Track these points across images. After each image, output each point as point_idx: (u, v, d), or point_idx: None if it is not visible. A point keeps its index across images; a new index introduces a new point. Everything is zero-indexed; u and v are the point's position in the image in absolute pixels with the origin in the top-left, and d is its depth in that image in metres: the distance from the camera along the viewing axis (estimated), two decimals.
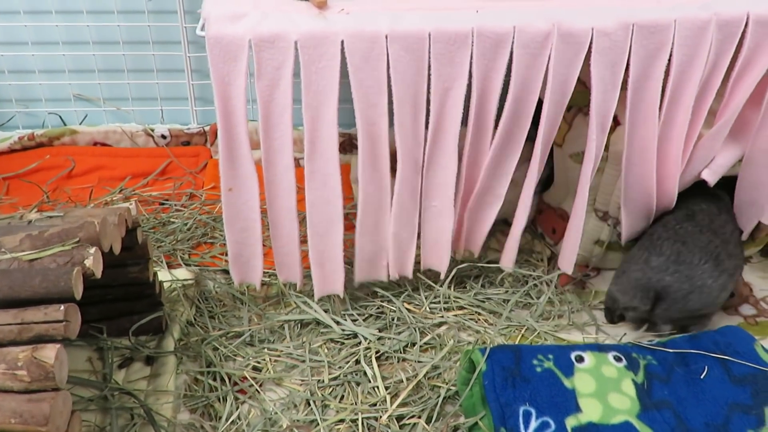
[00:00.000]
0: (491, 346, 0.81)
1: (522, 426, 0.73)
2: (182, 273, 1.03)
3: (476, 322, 0.99)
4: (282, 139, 0.85)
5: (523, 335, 0.97)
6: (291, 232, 0.91)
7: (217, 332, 0.94)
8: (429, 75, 0.82)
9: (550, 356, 0.81)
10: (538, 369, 0.79)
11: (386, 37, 0.78)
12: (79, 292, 0.60)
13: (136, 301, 0.89)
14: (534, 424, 0.74)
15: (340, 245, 0.92)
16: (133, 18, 1.27)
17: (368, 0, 0.83)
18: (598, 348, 0.85)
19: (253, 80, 0.81)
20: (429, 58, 0.80)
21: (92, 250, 0.63)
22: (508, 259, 0.99)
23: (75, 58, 1.29)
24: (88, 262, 0.62)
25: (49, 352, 0.54)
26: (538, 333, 0.97)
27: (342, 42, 0.78)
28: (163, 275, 0.99)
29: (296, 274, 0.96)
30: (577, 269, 1.09)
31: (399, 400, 0.84)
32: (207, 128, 1.36)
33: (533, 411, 0.75)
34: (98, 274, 0.64)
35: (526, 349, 0.82)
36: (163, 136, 1.35)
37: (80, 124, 1.36)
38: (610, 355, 0.84)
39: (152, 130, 1.34)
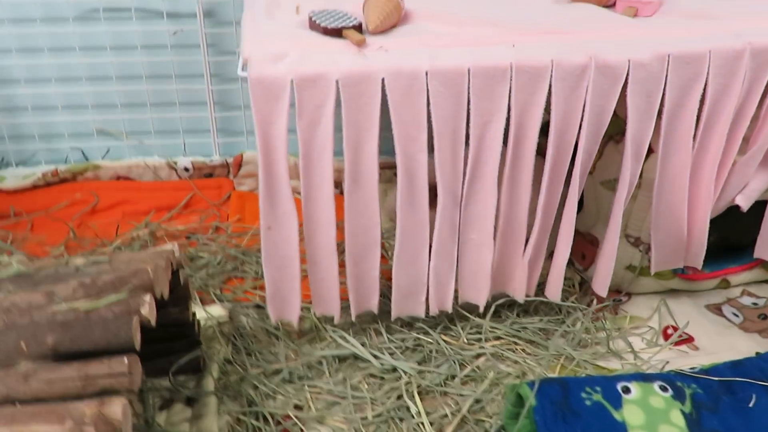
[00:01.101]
0: (537, 378, 0.81)
1: None
2: (216, 310, 1.02)
3: (514, 352, 0.99)
4: (322, 175, 0.85)
5: (562, 364, 0.97)
6: (330, 266, 0.91)
7: (256, 370, 0.93)
8: (468, 109, 0.82)
9: (598, 388, 0.81)
10: (587, 402, 0.79)
11: (426, 74, 0.78)
12: (138, 343, 0.60)
13: (175, 341, 0.89)
14: None
15: (376, 267, 0.93)
16: (155, 53, 1.27)
17: (405, 37, 0.83)
18: (643, 378, 0.84)
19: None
20: (468, 92, 0.80)
21: (147, 298, 0.63)
22: (554, 290, 0.98)
23: (97, 93, 1.30)
24: (144, 311, 0.62)
25: (116, 408, 0.54)
26: (577, 362, 0.96)
27: (382, 79, 0.78)
28: (198, 312, 0.98)
29: (334, 308, 0.96)
30: (609, 295, 1.09)
31: None
32: (230, 160, 1.36)
33: None
34: (153, 323, 0.63)
35: (573, 381, 0.82)
36: (186, 169, 1.35)
37: (103, 158, 1.36)
38: (656, 385, 0.83)
39: (175, 163, 1.34)
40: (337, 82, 0.78)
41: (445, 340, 0.99)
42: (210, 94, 1.30)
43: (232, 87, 1.32)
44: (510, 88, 0.81)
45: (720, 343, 1.03)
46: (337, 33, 0.82)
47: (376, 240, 0.90)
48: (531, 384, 0.80)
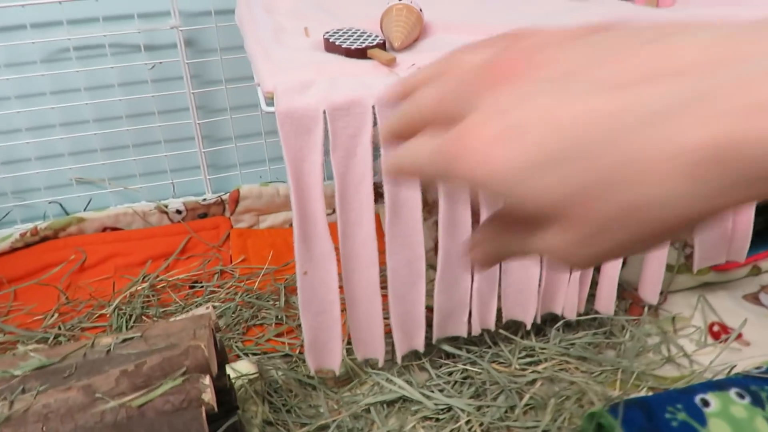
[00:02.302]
0: (618, 402, 0.75)
1: None
2: (244, 366, 0.93)
3: (567, 371, 0.93)
4: (360, 210, 0.78)
5: (621, 379, 0.92)
6: (373, 307, 0.84)
7: (300, 429, 0.85)
8: None
9: (679, 406, 0.76)
10: (674, 423, 0.74)
11: None
12: None
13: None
14: None
15: (422, 302, 0.87)
16: (134, 90, 1.18)
17: (433, 51, 0.77)
18: (717, 387, 0.80)
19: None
20: None
21: (207, 381, 0.55)
22: (606, 303, 0.93)
23: (73, 139, 1.19)
24: (206, 397, 0.54)
25: None
26: (636, 374, 0.92)
27: None
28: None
29: (378, 350, 0.88)
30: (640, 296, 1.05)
31: None
32: (225, 196, 1.27)
33: None
34: (215, 408, 0.55)
35: (653, 401, 0.77)
36: (179, 211, 1.25)
37: (85, 210, 1.25)
38: (732, 393, 0.79)
39: (166, 206, 1.24)
40: (373, 107, 0.71)
41: (495, 369, 0.93)
42: (197, 128, 1.21)
43: (220, 118, 1.23)
44: None
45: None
46: (361, 54, 0.75)
47: (421, 274, 0.83)
48: (613, 411, 0.74)
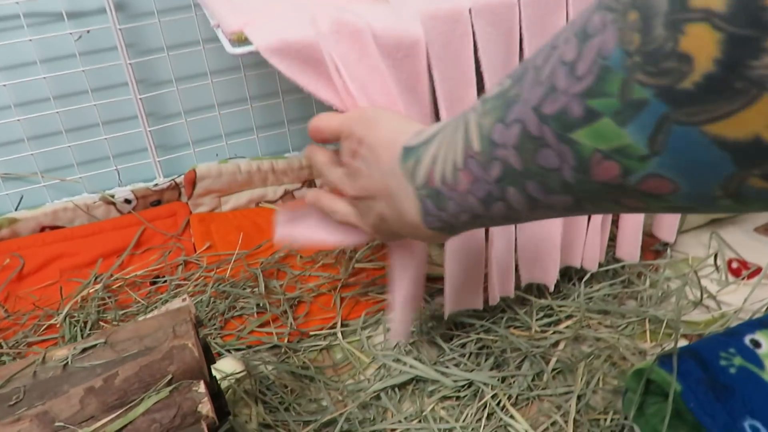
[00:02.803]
0: (664, 355, 0.66)
1: None
2: (228, 364, 0.80)
3: (591, 328, 0.84)
4: None
5: (650, 330, 0.83)
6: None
7: (305, 429, 0.73)
8: (521, 50, 0.65)
9: (732, 350, 0.68)
10: (732, 370, 0.66)
11: (470, 12, 0.61)
12: None
13: None
14: None
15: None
16: (60, 65, 1.01)
17: None
18: (764, 325, 0.72)
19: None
20: (520, 29, 0.64)
21: (201, 388, 0.42)
22: (631, 249, 0.84)
23: None
24: (204, 409, 0.41)
25: None
26: (665, 323, 0.83)
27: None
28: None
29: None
30: (653, 239, 0.98)
31: None
32: (179, 179, 1.12)
33: (759, 424, 0.61)
34: (216, 420, 0.43)
35: (702, 349, 0.68)
36: (128, 201, 1.10)
37: (17, 209, 1.08)
38: None
39: (112, 197, 1.09)
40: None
41: (514, 334, 0.83)
42: (139, 105, 1.06)
43: (164, 91, 1.08)
44: (567, 16, 0.65)
45: None
46: None
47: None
48: (665, 365, 0.65)
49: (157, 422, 0.40)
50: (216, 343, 0.86)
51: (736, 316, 0.83)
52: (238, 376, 0.79)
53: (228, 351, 0.85)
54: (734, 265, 0.95)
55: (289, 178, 1.18)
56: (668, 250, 0.97)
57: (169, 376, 0.43)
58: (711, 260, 0.95)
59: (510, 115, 0.34)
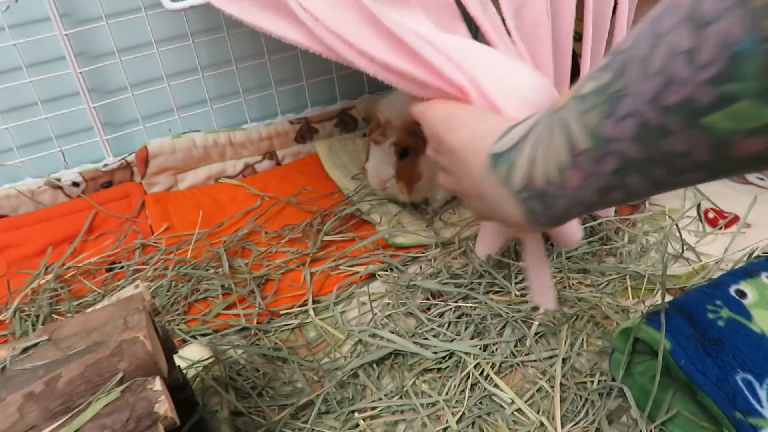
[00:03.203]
0: (650, 312, 0.64)
1: (753, 400, 0.57)
2: (194, 351, 0.76)
3: (571, 288, 0.82)
4: None
5: (631, 287, 0.81)
6: None
7: (281, 414, 0.69)
8: None
9: (718, 302, 0.66)
10: (720, 323, 0.63)
11: None
12: None
13: None
14: (763, 392, 0.58)
15: None
16: None
17: None
18: (747, 274, 0.70)
19: None
20: None
21: (157, 385, 0.38)
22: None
23: None
24: (161, 408, 0.37)
25: None
26: (647, 278, 0.81)
27: None
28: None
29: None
30: None
31: (560, 422, 0.64)
32: (130, 158, 1.05)
33: (751, 377, 0.59)
34: (178, 421, 0.38)
35: (688, 303, 0.66)
36: (75, 184, 1.03)
37: None
38: (764, 278, 0.70)
39: (58, 180, 1.02)
40: None
41: (493, 300, 0.79)
42: (80, 79, 0.98)
43: (107, 63, 1.01)
44: None
45: (766, 213, 0.92)
46: None
47: None
48: (653, 322, 0.63)
49: (107, 428, 0.35)
50: (180, 330, 0.81)
51: (717, 267, 0.81)
52: (206, 363, 0.74)
53: (193, 337, 0.80)
54: (710, 215, 0.93)
55: (248, 150, 1.12)
56: (645, 203, 0.94)
57: (120, 375, 0.38)
58: (686, 212, 0.93)
59: (620, 110, 0.34)
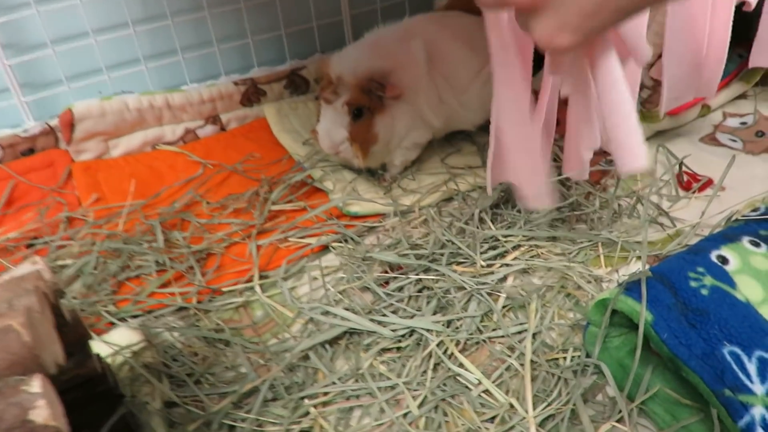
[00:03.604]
0: (629, 282, 0.58)
1: (742, 375, 0.51)
2: (122, 335, 0.67)
3: (540, 257, 0.76)
4: None
5: (605, 255, 0.75)
6: None
7: (221, 403, 0.61)
8: None
9: (701, 269, 0.60)
10: (704, 291, 0.58)
11: None
12: None
13: (85, 410, 0.54)
14: (752, 366, 0.52)
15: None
16: None
17: None
18: (728, 239, 0.65)
19: None
20: None
21: (34, 386, 0.30)
22: (580, 166, 0.75)
23: None
24: (39, 416, 0.29)
25: None
26: (621, 246, 0.76)
27: None
28: (97, 349, 0.63)
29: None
30: (597, 157, 0.89)
31: (531, 402, 0.59)
32: (53, 122, 0.94)
33: (738, 350, 0.53)
34: (65, 429, 0.30)
35: (668, 271, 0.60)
36: None
37: None
38: (746, 242, 0.65)
39: None
40: None
41: (456, 271, 0.73)
42: None
43: (22, 15, 0.89)
44: None
45: (739, 176, 0.87)
46: None
47: None
48: (632, 292, 0.57)
49: None
50: (108, 312, 0.72)
51: (694, 233, 0.76)
52: (136, 348, 0.65)
53: (123, 319, 0.71)
54: (684, 178, 0.88)
55: (189, 114, 1.02)
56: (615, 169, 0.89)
57: None
58: (659, 176, 0.88)
59: None
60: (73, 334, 0.48)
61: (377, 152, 0.86)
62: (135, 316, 0.72)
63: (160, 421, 0.59)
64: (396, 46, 0.86)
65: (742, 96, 1.05)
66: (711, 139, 0.97)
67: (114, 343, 0.66)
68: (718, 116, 1.02)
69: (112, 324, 0.70)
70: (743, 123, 0.99)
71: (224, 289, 0.76)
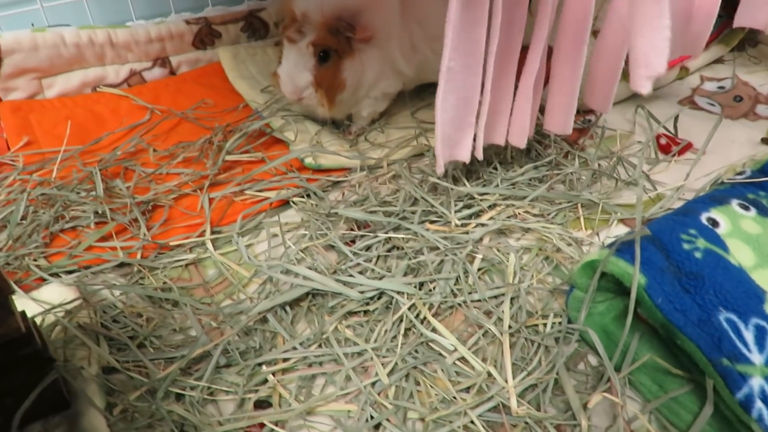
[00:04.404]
0: (620, 244, 0.54)
1: (740, 343, 0.48)
2: (53, 292, 0.59)
3: (518, 217, 0.71)
4: None
5: (585, 217, 0.71)
6: None
7: (168, 369, 0.55)
8: None
9: (693, 231, 0.57)
10: (698, 255, 0.54)
11: None
12: None
13: (7, 374, 0.47)
14: (749, 334, 0.49)
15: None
16: None
17: None
18: (717, 201, 0.62)
19: None
20: None
21: None
22: (563, 120, 0.69)
23: None
24: None
25: None
26: (601, 207, 0.71)
27: None
28: (24, 307, 0.55)
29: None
30: (576, 117, 0.85)
31: (511, 371, 0.54)
32: None
33: (734, 317, 0.50)
34: None
35: (660, 231, 0.56)
36: None
37: None
38: (735, 205, 0.62)
39: None
40: None
41: (430, 230, 0.67)
42: None
43: None
44: None
45: (717, 140, 0.84)
46: None
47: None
48: (624, 253, 0.52)
49: None
50: (38, 266, 0.64)
51: (677, 197, 0.73)
52: (69, 307, 0.58)
53: (55, 276, 0.63)
54: (662, 140, 0.85)
55: (134, 54, 0.93)
56: (602, 124, 0.85)
57: None
58: (637, 137, 0.84)
59: None
60: None
61: (344, 101, 0.80)
62: (70, 272, 0.64)
63: (97, 388, 0.52)
64: None
65: (719, 60, 1.03)
66: (690, 102, 0.93)
67: (44, 301, 0.58)
68: (695, 79, 0.99)
69: (43, 280, 0.62)
70: (721, 87, 0.96)
71: (172, 245, 0.68)
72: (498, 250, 0.67)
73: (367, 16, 0.76)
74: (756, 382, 0.46)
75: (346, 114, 0.84)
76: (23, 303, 0.57)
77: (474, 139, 0.66)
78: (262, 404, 0.54)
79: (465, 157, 0.67)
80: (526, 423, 0.50)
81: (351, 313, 0.61)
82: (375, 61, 0.79)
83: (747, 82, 0.96)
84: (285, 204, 0.75)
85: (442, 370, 0.55)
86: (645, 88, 0.53)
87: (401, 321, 0.59)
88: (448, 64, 0.59)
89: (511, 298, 0.61)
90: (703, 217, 0.59)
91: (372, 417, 0.51)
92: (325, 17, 0.73)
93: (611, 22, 0.65)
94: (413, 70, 0.84)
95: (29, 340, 0.47)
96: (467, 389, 0.54)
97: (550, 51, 0.67)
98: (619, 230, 0.69)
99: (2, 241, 0.66)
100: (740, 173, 0.69)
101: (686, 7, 0.73)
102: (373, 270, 0.64)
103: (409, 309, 0.59)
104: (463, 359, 0.56)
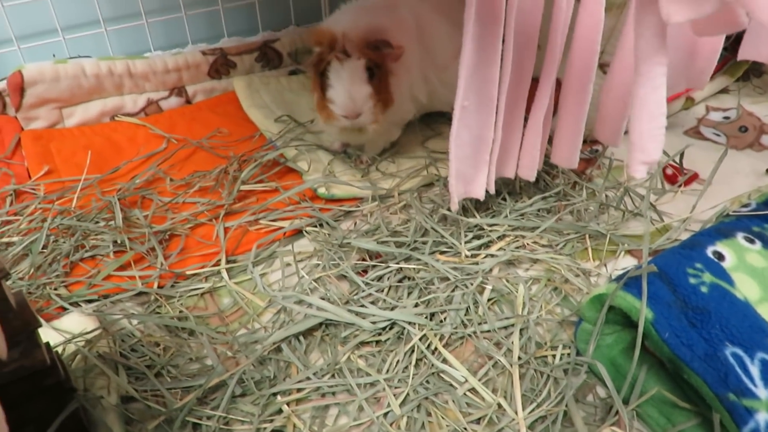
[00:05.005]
0: (628, 278, 0.55)
1: (746, 378, 0.49)
2: (73, 322, 0.61)
3: (527, 248, 0.72)
4: None
5: (593, 248, 0.72)
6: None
7: (184, 399, 0.56)
8: None
9: (699, 265, 0.58)
10: (704, 289, 0.55)
11: None
12: None
13: (31, 404, 0.48)
14: (755, 368, 0.50)
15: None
16: None
17: None
18: (723, 235, 0.63)
19: None
20: None
21: None
22: (569, 152, 0.71)
23: None
24: None
25: None
26: (609, 238, 0.73)
27: None
28: (46, 337, 0.57)
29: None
30: (583, 147, 0.86)
31: (521, 403, 0.55)
32: (1, 85, 0.86)
33: (740, 351, 0.51)
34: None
35: (666, 265, 0.57)
36: None
37: None
38: (740, 239, 0.63)
39: None
40: None
41: (440, 260, 0.69)
42: None
43: None
44: None
45: (723, 171, 0.85)
46: None
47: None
48: (631, 288, 0.54)
49: None
50: (59, 295, 0.65)
51: (684, 228, 0.74)
52: (89, 336, 0.59)
53: (75, 304, 0.65)
54: (669, 171, 0.86)
55: (152, 84, 0.95)
56: (610, 155, 0.86)
57: None
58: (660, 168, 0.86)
59: None
60: (19, 321, 0.43)
61: (389, 116, 0.81)
62: (89, 301, 0.66)
63: (116, 417, 0.54)
64: (385, 11, 0.81)
65: (724, 90, 1.04)
66: (695, 133, 0.95)
67: (65, 331, 0.60)
68: (701, 109, 1.00)
69: (64, 309, 0.64)
70: (726, 117, 0.98)
71: (188, 274, 0.70)
72: (507, 281, 0.68)
73: (393, 35, 0.76)
74: (762, 417, 0.47)
75: (385, 140, 0.87)
76: (45, 333, 0.59)
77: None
78: None
79: (479, 194, 0.69)
80: None
81: (363, 344, 0.62)
82: (402, 82, 0.81)
83: (752, 112, 0.98)
84: (298, 233, 0.76)
85: (453, 401, 0.56)
86: (639, 173, 0.56)
87: (412, 351, 0.60)
88: (462, 103, 0.61)
89: (521, 329, 0.62)
90: (709, 251, 0.60)
91: None
92: (365, 34, 0.74)
93: (620, 59, 0.67)
94: (426, 97, 0.86)
95: (53, 371, 0.48)
96: (478, 420, 0.55)
97: (558, 83, 0.69)
98: (626, 261, 0.71)
99: (24, 270, 0.68)
100: (745, 205, 0.71)
101: (690, 42, 0.74)
102: (384, 300, 0.65)
103: (420, 339, 0.61)
104: (473, 390, 0.57)
